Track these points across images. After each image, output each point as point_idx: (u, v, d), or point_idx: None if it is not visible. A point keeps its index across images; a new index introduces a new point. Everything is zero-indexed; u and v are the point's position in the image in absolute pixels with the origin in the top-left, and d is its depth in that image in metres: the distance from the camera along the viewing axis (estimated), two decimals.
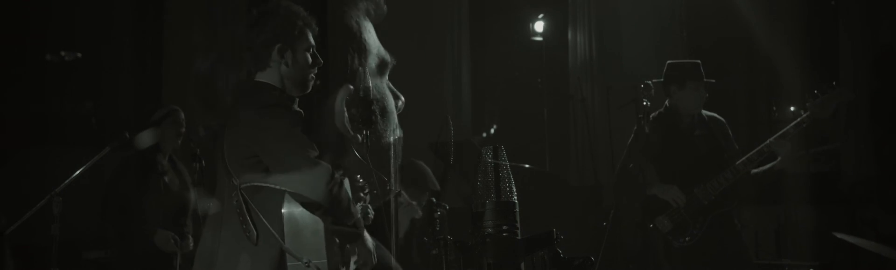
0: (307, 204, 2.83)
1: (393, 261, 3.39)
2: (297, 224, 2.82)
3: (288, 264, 2.78)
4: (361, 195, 3.05)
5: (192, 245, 4.68)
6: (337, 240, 3.00)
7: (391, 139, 3.11)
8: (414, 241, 5.21)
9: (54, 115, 6.34)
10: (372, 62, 3.13)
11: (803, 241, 5.75)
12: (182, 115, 4.93)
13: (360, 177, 3.01)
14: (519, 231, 2.59)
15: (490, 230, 2.57)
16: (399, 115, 3.20)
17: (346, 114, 3.02)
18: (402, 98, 3.17)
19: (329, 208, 2.85)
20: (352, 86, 3.06)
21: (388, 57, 3.18)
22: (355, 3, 3.17)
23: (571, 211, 6.13)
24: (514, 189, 2.63)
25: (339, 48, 3.17)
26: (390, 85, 3.17)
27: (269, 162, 2.81)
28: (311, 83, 3.04)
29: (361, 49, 3.14)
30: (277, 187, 2.80)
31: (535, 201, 3.58)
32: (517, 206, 2.62)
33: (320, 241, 2.87)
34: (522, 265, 2.58)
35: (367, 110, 2.99)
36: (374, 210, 3.09)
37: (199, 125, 4.68)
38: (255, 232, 2.79)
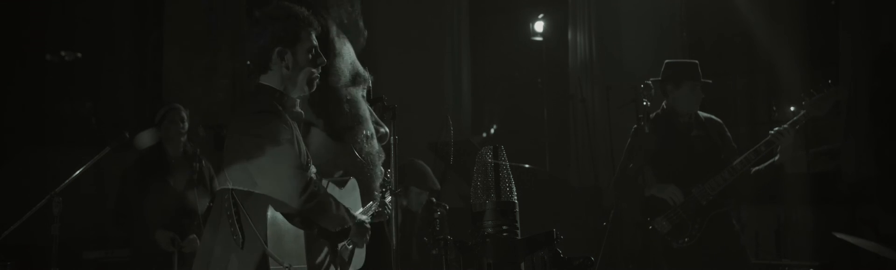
0: (286, 216, 2.86)
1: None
2: (279, 228, 2.85)
3: (271, 268, 2.80)
4: (376, 193, 3.07)
5: (196, 244, 4.68)
6: (326, 242, 3.01)
7: (371, 149, 3.12)
8: (413, 240, 5.22)
9: (54, 115, 6.34)
10: (347, 73, 3.13)
11: (803, 241, 5.74)
12: (183, 113, 4.91)
13: (388, 173, 3.03)
14: (519, 231, 2.59)
15: (490, 230, 2.56)
16: (399, 114, 3.20)
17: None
18: (385, 128, 3.17)
19: (308, 217, 2.87)
20: (314, 70, 3.08)
21: (364, 73, 3.18)
22: (331, 13, 3.17)
23: (571, 211, 6.13)
24: (514, 189, 2.63)
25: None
26: (375, 115, 3.17)
27: (251, 170, 2.82)
28: (315, 82, 3.04)
29: (335, 48, 3.14)
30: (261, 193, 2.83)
31: (535, 201, 3.58)
32: (517, 206, 2.61)
33: (300, 246, 2.89)
34: (522, 265, 2.57)
35: (345, 105, 3.00)
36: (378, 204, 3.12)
37: (201, 125, 4.70)
38: (241, 236, 2.81)
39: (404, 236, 4.96)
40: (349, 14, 3.19)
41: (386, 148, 3.17)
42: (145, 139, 4.83)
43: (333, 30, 3.14)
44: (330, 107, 3.13)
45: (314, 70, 3.03)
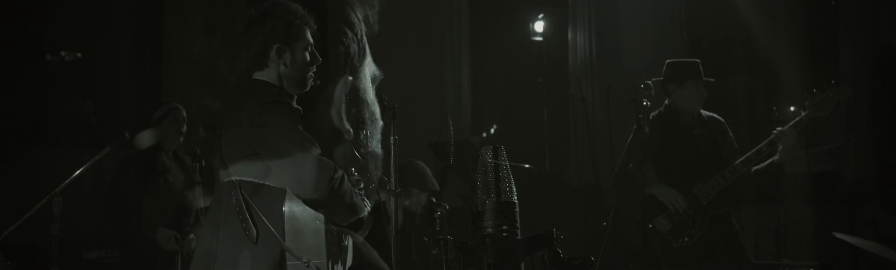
0: (310, 202, 2.82)
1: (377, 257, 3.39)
2: (298, 222, 2.81)
3: (288, 263, 2.78)
4: (356, 190, 3.06)
5: (194, 243, 4.67)
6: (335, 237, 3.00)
7: (377, 149, 3.11)
8: (413, 240, 5.22)
9: (54, 115, 6.33)
10: (367, 70, 3.13)
11: (803, 241, 5.74)
12: (183, 113, 4.91)
13: (355, 171, 3.01)
14: (519, 231, 2.59)
15: (490, 230, 2.56)
16: (399, 114, 3.21)
17: (343, 103, 3.02)
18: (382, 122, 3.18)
19: (332, 204, 2.84)
20: (351, 78, 3.07)
21: (377, 71, 3.19)
22: (354, 7, 3.17)
23: (571, 211, 6.13)
24: (514, 189, 2.63)
25: (339, 44, 3.17)
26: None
27: (270, 160, 2.79)
28: (310, 82, 3.03)
29: (363, 48, 3.14)
30: (280, 186, 2.80)
31: (535, 201, 3.57)
32: (517, 206, 2.61)
33: (320, 240, 2.86)
34: (522, 265, 2.57)
35: (366, 109, 3.00)
36: (371, 203, 3.10)
37: (200, 125, 4.69)
38: (255, 231, 2.78)
39: (404, 236, 4.96)
40: (372, 7, 3.19)
41: (386, 148, 3.17)
42: (145, 139, 4.83)
43: (361, 28, 3.14)
44: (330, 109, 3.12)
45: (310, 69, 3.02)
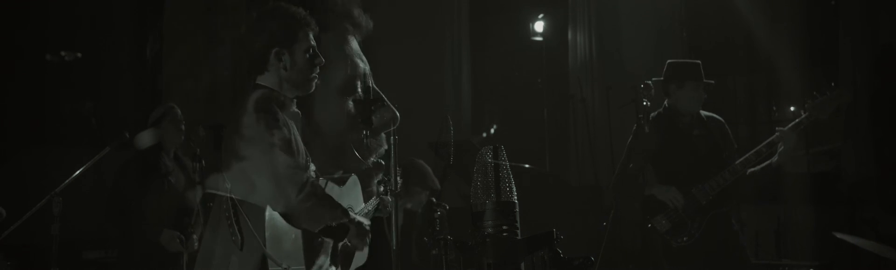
0: (284, 215, 2.85)
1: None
2: (278, 229, 2.84)
3: (270, 269, 2.80)
4: (373, 189, 3.06)
5: (197, 244, 4.67)
6: (327, 241, 3.01)
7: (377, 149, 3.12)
8: (413, 240, 5.22)
9: (54, 115, 6.34)
10: (344, 79, 3.14)
11: (803, 241, 5.74)
12: (179, 112, 4.92)
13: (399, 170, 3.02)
14: (519, 231, 2.59)
15: (490, 230, 2.57)
16: (399, 114, 3.21)
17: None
18: (391, 113, 3.17)
19: (304, 217, 2.86)
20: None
21: (364, 67, 3.18)
22: (338, 22, 3.18)
23: (571, 210, 6.13)
24: (514, 189, 2.63)
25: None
26: (384, 98, 3.16)
27: (248, 170, 2.82)
28: (314, 82, 3.04)
29: (344, 56, 3.15)
30: (259, 197, 2.82)
31: (535, 201, 3.57)
32: (517, 206, 2.61)
33: (299, 247, 2.88)
34: (522, 265, 2.58)
35: (367, 110, 2.99)
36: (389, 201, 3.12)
37: (200, 125, 4.70)
38: (240, 237, 2.80)
39: (404, 236, 4.96)
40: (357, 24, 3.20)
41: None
42: (145, 139, 4.83)
43: (350, 37, 3.14)
44: (329, 110, 3.13)
45: (312, 70, 3.02)
